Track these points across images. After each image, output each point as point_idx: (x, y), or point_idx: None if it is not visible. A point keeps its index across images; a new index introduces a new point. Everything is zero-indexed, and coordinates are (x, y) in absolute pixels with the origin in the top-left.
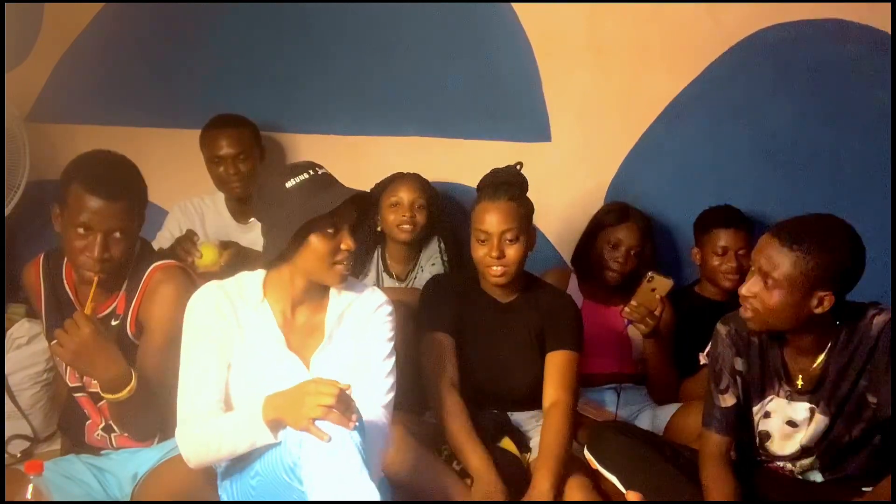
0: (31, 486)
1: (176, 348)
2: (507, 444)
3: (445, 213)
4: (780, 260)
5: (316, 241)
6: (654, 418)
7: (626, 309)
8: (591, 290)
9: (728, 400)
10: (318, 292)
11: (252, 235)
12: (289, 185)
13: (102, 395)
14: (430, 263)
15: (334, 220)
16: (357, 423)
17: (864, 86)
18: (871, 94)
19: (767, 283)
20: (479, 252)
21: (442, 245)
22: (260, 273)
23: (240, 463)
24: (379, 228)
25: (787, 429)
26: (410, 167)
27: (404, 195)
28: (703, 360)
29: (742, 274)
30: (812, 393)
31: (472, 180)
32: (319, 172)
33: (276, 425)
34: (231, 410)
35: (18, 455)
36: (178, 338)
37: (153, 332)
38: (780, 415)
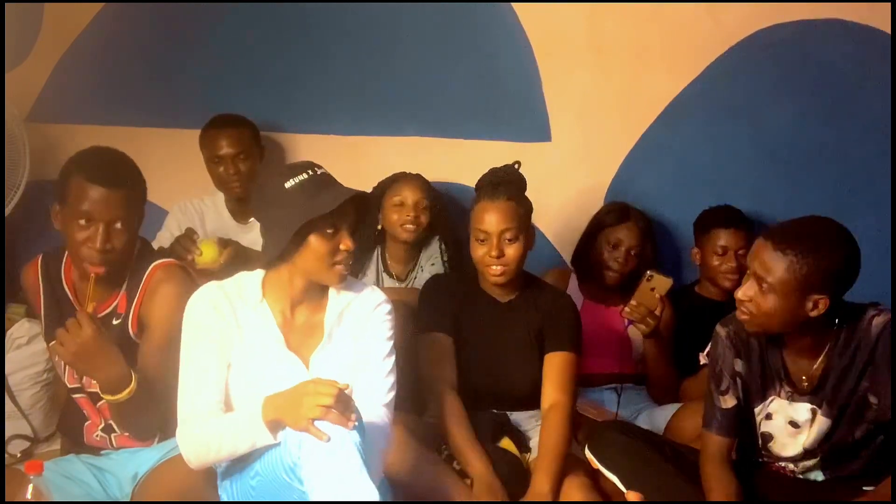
0: (31, 486)
1: (177, 347)
2: (507, 444)
3: (445, 213)
4: (773, 264)
5: (315, 241)
6: (654, 418)
7: (626, 309)
8: (592, 290)
9: (728, 401)
10: (317, 292)
11: (252, 235)
12: (288, 185)
13: (102, 395)
14: (430, 263)
15: (333, 220)
16: (356, 423)
17: (864, 86)
18: (871, 94)
19: (762, 287)
20: (479, 251)
21: (442, 245)
22: (259, 273)
23: (240, 463)
24: (380, 227)
25: (790, 429)
26: (410, 167)
27: (409, 195)
28: (703, 360)
29: (742, 274)
30: (813, 394)
31: (472, 180)
32: (318, 172)
33: (275, 426)
34: (231, 411)
35: (18, 455)
36: (179, 336)
37: (154, 331)
38: (782, 416)
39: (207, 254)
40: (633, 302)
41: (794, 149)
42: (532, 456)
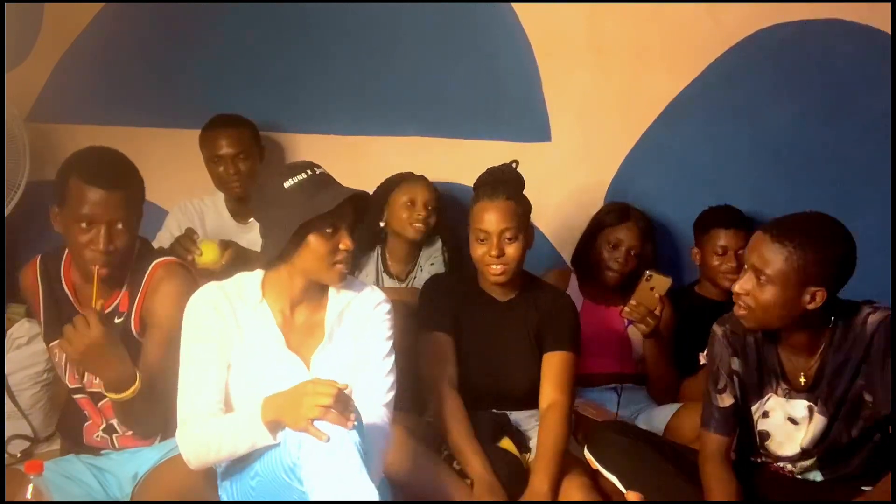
0: (31, 486)
1: (178, 345)
2: (507, 443)
3: (445, 213)
4: (771, 256)
5: (315, 241)
6: (653, 418)
7: (626, 309)
8: (592, 290)
9: (726, 400)
10: (317, 291)
11: (252, 235)
12: (287, 185)
13: (106, 394)
14: (430, 263)
15: (333, 219)
16: (356, 423)
17: (864, 86)
18: (871, 95)
19: (760, 279)
20: (479, 251)
21: (442, 245)
22: (258, 273)
23: (240, 463)
24: (382, 224)
25: (788, 426)
26: (410, 167)
27: (420, 195)
28: (703, 360)
29: None
30: (809, 391)
31: (471, 180)
32: (318, 172)
33: (275, 426)
34: (231, 411)
35: (18, 455)
36: (180, 334)
37: (157, 328)
38: (780, 413)
39: (208, 254)
40: (632, 302)
41: (794, 149)
42: (532, 456)
